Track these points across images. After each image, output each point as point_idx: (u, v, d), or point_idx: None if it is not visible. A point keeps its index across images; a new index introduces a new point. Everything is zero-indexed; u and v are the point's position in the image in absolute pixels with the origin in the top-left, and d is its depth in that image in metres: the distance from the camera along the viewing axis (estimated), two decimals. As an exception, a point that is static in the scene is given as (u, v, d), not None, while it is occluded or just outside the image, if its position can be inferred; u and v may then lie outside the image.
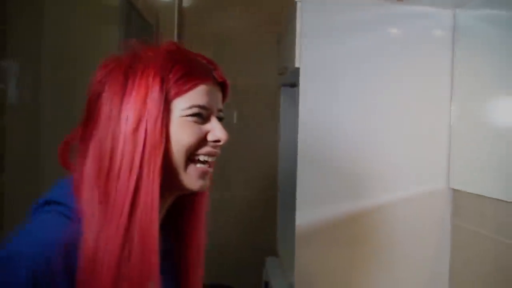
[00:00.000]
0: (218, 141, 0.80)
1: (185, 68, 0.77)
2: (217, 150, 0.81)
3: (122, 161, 0.71)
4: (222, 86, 0.85)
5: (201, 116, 0.78)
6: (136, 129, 0.72)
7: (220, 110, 0.83)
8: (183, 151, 0.77)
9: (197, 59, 0.82)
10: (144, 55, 0.77)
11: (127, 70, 0.75)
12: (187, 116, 0.76)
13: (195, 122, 0.77)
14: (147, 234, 0.71)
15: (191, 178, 0.79)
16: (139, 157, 0.72)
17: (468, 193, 1.49)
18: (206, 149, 0.79)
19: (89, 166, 0.73)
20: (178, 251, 0.91)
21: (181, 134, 0.76)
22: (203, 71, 0.80)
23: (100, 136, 0.73)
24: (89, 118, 0.76)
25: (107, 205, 0.70)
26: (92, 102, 0.76)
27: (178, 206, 0.89)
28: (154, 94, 0.73)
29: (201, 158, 0.79)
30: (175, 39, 2.17)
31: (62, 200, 0.72)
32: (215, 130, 0.79)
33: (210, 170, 0.82)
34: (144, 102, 0.73)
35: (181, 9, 2.41)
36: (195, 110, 0.77)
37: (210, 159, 0.80)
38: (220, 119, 0.83)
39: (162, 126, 0.74)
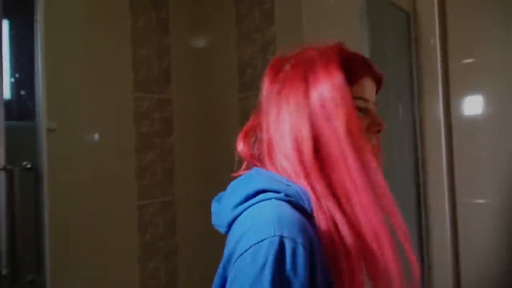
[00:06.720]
0: (380, 131, 0.87)
1: (354, 63, 0.85)
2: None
3: (332, 147, 0.78)
4: (378, 81, 0.91)
5: (361, 108, 0.84)
6: (336, 114, 0.78)
7: (375, 103, 0.89)
8: None
9: (361, 56, 0.89)
10: (314, 54, 0.85)
11: (305, 67, 0.83)
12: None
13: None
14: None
15: None
16: (349, 140, 0.77)
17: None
18: (372, 141, 0.86)
19: (288, 154, 0.80)
20: None
21: None
22: (366, 66, 0.87)
23: (292, 125, 0.80)
24: (269, 112, 0.84)
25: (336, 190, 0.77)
26: (270, 98, 0.85)
27: None
28: (341, 83, 0.79)
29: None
30: (436, 26, 1.93)
31: (274, 188, 0.78)
32: (377, 120, 0.86)
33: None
34: (334, 90, 0.79)
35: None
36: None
37: None
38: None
39: (355, 109, 0.80)
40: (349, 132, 0.77)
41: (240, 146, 0.89)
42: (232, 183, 0.88)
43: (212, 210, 0.91)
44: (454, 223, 2.01)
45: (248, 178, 0.85)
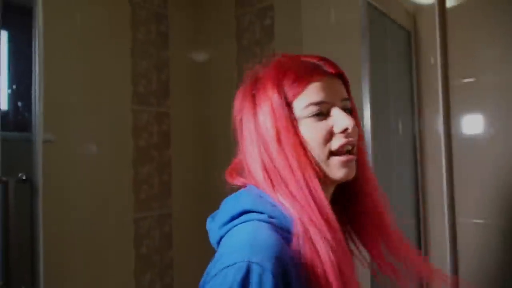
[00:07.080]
0: (346, 129, 0.82)
1: (294, 73, 0.83)
2: (351, 139, 0.83)
3: (282, 168, 0.80)
4: (341, 77, 0.88)
5: (321, 112, 0.82)
6: (277, 136, 0.81)
7: (346, 99, 0.86)
8: (317, 147, 0.82)
9: (306, 61, 0.87)
10: (261, 73, 0.89)
11: (252, 91, 0.88)
12: (307, 116, 0.82)
13: (317, 119, 0.82)
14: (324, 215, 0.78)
15: (333, 169, 0.83)
16: (288, 159, 0.80)
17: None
18: (338, 141, 0.82)
19: (261, 179, 0.83)
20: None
21: (308, 133, 0.82)
22: (312, 70, 0.84)
23: (254, 151, 0.84)
24: (240, 139, 0.89)
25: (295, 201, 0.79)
26: (238, 126, 0.90)
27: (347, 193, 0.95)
28: (276, 102, 0.82)
29: (339, 149, 0.82)
30: (437, 45, 1.98)
31: (258, 209, 0.80)
32: (338, 120, 0.82)
33: (352, 157, 0.85)
34: (273, 111, 0.82)
35: (443, 11, 2.04)
36: (312, 108, 0.82)
37: (348, 148, 0.84)
38: (346, 108, 0.86)
39: (292, 127, 0.82)
40: (284, 151, 0.81)
41: (235, 182, 0.91)
42: (224, 200, 0.90)
43: (207, 227, 0.92)
44: (454, 243, 1.99)
45: (238, 197, 0.87)
